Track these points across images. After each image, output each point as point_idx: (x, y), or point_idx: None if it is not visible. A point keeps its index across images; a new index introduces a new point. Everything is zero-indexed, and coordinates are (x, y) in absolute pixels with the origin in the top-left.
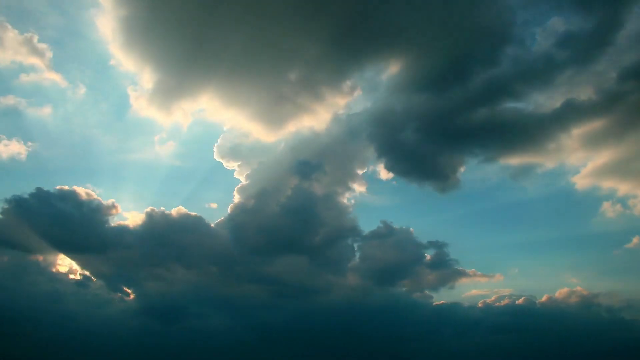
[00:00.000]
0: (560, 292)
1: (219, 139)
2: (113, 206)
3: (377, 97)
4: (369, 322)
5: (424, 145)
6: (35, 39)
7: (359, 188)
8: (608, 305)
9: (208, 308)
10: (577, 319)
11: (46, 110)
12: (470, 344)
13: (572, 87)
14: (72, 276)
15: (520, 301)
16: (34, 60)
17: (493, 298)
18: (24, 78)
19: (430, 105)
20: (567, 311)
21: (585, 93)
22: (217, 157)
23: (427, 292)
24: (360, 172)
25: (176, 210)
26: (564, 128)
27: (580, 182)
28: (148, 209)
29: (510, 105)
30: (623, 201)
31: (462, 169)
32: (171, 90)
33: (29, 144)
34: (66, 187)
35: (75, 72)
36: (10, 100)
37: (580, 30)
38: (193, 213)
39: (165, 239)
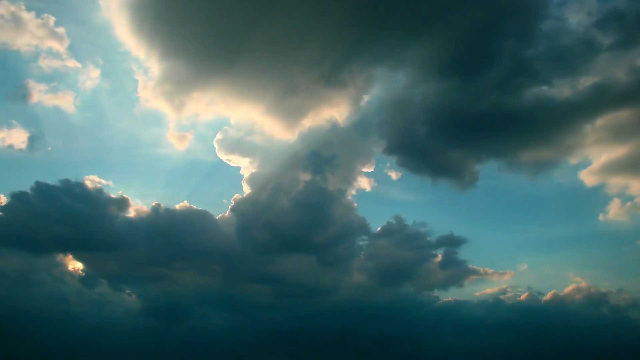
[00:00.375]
0: (572, 290)
1: (218, 134)
2: (122, 201)
3: (392, 87)
4: (377, 321)
5: (437, 140)
6: (52, 21)
7: (368, 184)
8: (615, 303)
9: (212, 307)
10: (589, 316)
11: (54, 97)
12: (480, 342)
13: (605, 72)
14: (74, 275)
15: (529, 298)
16: (51, 44)
17: (503, 296)
18: (40, 62)
19: (447, 95)
20: (578, 309)
21: (618, 77)
22: (218, 152)
23: (436, 290)
24: (369, 168)
25: (182, 205)
26: (589, 118)
27: (592, 177)
28: (154, 204)
29: (534, 91)
30: (632, 198)
31: (477, 166)
32: (183, 81)
33: (33, 130)
34: (71, 179)
35: (87, 58)
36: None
37: (622, 10)
38: (199, 208)
39: (171, 236)
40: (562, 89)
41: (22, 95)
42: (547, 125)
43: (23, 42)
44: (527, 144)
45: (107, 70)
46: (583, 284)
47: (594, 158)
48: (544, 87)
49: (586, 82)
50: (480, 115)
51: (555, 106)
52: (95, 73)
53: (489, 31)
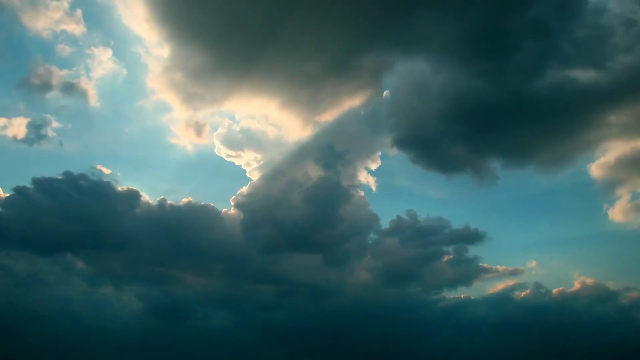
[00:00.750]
0: (580, 288)
1: (220, 129)
2: (130, 196)
3: (408, 77)
4: (384, 320)
5: (450, 134)
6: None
7: (376, 179)
8: (623, 302)
9: (216, 306)
10: (597, 314)
11: (66, 85)
12: (488, 341)
13: None
14: (77, 274)
15: (537, 296)
16: (66, 27)
17: (511, 294)
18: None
19: (467, 84)
20: (586, 307)
21: None
22: (221, 148)
23: (444, 288)
24: (378, 163)
25: (186, 201)
26: (614, 107)
27: (604, 173)
28: (159, 198)
29: (561, 76)
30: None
31: (493, 162)
32: (194, 72)
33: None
34: (73, 172)
35: (101, 43)
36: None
37: None
38: (204, 205)
39: (176, 234)
40: (590, 74)
41: (31, 82)
42: (569, 117)
43: (39, 25)
44: (546, 138)
45: (119, 57)
46: (591, 282)
47: (609, 152)
48: (572, 72)
49: (620, 64)
50: (498, 106)
51: (580, 95)
52: (106, 56)
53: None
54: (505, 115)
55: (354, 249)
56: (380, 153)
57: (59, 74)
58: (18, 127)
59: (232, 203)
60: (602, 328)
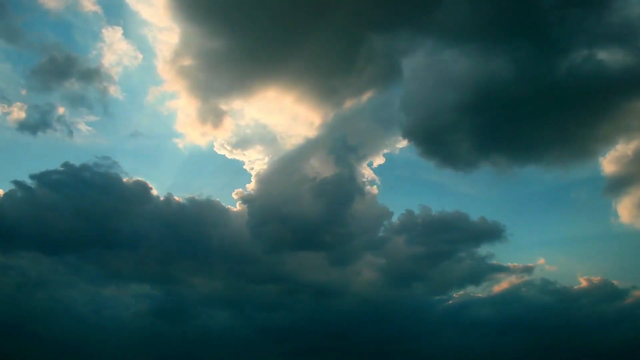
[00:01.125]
0: (587, 286)
1: (222, 125)
2: (138, 192)
3: (417, 66)
4: (393, 318)
5: (462, 127)
6: None
7: (382, 175)
8: (631, 301)
9: (220, 305)
10: (603, 313)
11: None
12: (493, 340)
13: None
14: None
15: (544, 295)
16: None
17: (518, 292)
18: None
19: (479, 72)
20: (593, 306)
21: None
22: (225, 145)
23: (453, 288)
24: (381, 161)
25: (190, 199)
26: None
27: (614, 168)
28: (165, 194)
29: (585, 63)
30: None
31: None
32: (205, 64)
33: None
34: (75, 164)
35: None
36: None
37: None
38: (208, 203)
39: (182, 232)
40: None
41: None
42: (589, 106)
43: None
44: (561, 132)
45: (133, 41)
46: (598, 280)
47: (627, 146)
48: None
49: None
50: (514, 96)
51: (605, 80)
52: (117, 37)
53: None
54: (521, 106)
55: (362, 245)
56: (394, 147)
57: (74, 59)
58: (19, 113)
59: (238, 198)
60: (607, 326)
